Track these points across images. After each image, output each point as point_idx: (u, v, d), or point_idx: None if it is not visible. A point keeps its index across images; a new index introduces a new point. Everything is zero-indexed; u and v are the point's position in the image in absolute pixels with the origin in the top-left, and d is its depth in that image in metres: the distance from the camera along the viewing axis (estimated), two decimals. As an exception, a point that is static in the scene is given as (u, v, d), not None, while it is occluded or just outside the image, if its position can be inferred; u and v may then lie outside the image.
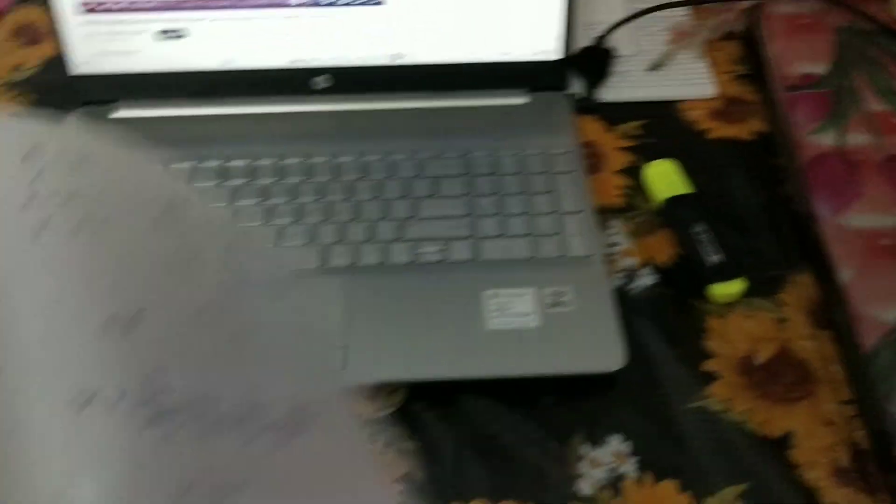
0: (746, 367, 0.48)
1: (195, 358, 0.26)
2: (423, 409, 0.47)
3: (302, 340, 0.28)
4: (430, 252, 0.52)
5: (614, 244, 0.54)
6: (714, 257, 0.51)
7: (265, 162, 0.56)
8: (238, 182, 0.55)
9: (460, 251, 0.52)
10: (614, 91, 0.63)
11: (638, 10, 0.67)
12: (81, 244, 0.27)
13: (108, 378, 0.25)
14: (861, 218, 0.51)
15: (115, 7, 0.56)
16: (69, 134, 0.28)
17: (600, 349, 0.48)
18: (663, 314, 0.51)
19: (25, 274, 0.27)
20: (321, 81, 0.59)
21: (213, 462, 0.24)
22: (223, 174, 0.56)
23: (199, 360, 0.26)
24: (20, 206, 0.27)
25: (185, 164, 0.56)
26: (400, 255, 0.52)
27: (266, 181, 0.55)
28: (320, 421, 0.26)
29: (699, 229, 0.52)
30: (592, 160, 0.59)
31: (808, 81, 0.59)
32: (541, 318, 0.49)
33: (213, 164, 0.56)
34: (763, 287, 0.51)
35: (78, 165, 0.28)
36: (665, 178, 0.56)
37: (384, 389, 0.47)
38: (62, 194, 0.27)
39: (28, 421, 0.25)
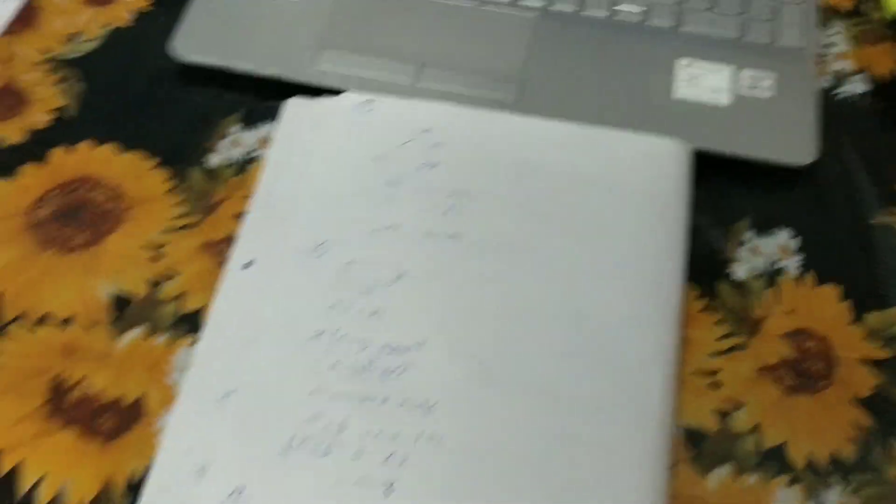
0: (948, 197, 0.44)
1: None
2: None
3: None
4: (629, 12, 0.49)
5: (830, 45, 0.49)
6: (943, 76, 0.46)
7: None
8: None
9: (662, 17, 0.48)
10: None
11: None
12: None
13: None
14: None
15: None
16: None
17: (791, 141, 0.44)
18: (866, 125, 0.47)
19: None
20: None
21: None
22: None
23: None
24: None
25: None
26: (597, 8, 0.49)
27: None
28: None
29: (933, 45, 0.47)
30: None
31: None
32: (733, 99, 0.45)
33: None
34: None
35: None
36: (907, -11, 0.50)
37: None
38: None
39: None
